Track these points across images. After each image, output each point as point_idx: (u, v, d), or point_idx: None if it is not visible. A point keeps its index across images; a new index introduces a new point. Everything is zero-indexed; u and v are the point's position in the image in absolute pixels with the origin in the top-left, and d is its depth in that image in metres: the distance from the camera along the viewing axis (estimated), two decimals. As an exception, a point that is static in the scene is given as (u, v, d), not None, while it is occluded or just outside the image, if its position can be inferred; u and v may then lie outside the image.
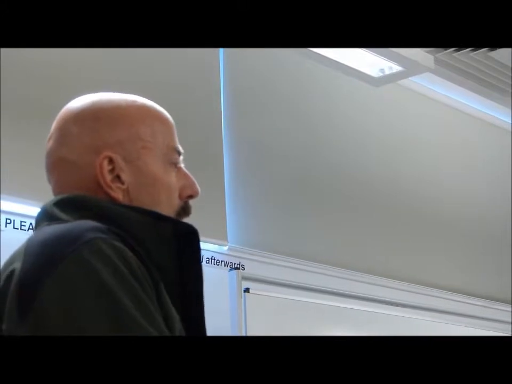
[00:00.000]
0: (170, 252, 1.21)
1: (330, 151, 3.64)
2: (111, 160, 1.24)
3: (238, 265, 3.13)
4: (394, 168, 3.94)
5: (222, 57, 3.27)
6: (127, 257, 1.09)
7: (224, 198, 3.13)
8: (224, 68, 3.27)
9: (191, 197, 1.32)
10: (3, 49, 2.53)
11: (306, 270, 3.37)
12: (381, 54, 2.89)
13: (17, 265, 1.11)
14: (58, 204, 1.22)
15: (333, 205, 3.59)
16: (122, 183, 1.24)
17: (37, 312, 1.04)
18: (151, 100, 1.32)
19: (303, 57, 2.96)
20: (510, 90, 3.64)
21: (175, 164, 1.30)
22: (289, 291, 3.25)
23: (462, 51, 3.29)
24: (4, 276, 1.12)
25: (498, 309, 4.36)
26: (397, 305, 3.66)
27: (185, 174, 1.32)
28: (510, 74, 3.51)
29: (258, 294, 3.13)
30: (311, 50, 2.82)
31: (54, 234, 1.12)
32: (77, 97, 1.30)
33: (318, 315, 3.29)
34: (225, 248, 3.13)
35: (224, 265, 3.10)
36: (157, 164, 1.27)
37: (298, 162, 3.49)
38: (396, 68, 2.99)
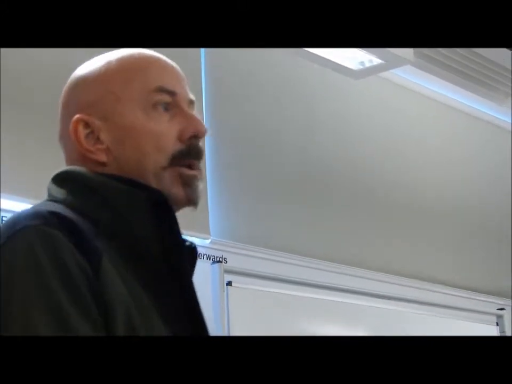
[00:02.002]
0: (148, 220, 1.15)
1: (313, 144, 3.65)
2: (86, 123, 1.20)
3: (221, 259, 3.14)
4: (378, 161, 3.95)
5: (203, 52, 3.28)
6: (57, 246, 1.05)
7: (207, 191, 3.14)
8: (205, 62, 3.27)
9: (194, 136, 1.22)
10: (3, 52, 2.54)
11: (289, 263, 3.38)
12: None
13: None
14: (54, 178, 1.21)
15: (316, 198, 3.60)
16: (102, 143, 1.19)
17: None
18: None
19: (283, 51, 2.97)
20: (491, 83, 3.66)
21: (163, 106, 1.21)
22: (272, 284, 3.26)
23: (442, 44, 3.30)
24: None
25: (484, 301, 4.38)
26: (380, 298, 3.67)
27: (186, 115, 1.23)
28: (491, 67, 3.52)
29: (241, 287, 3.14)
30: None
31: (10, 218, 1.12)
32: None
33: (301, 308, 3.30)
34: (208, 241, 3.13)
35: (207, 259, 3.10)
36: (135, 112, 1.20)
37: (281, 156, 3.50)
38: (376, 60, 3.00)
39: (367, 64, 3.03)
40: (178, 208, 1.22)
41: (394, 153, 4.06)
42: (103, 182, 1.18)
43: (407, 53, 3.00)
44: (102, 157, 1.20)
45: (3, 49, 2.52)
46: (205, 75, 3.26)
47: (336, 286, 3.49)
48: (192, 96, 1.26)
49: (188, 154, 1.21)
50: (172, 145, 1.20)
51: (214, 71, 3.30)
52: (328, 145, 3.72)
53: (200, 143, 1.24)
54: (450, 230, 4.27)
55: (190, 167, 1.22)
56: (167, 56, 1.27)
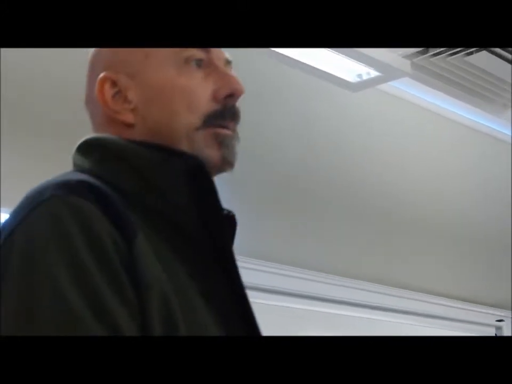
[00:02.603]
0: (184, 190, 1.06)
1: (310, 155, 3.65)
2: (113, 82, 1.12)
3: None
4: (376, 172, 3.95)
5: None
6: (88, 220, 0.94)
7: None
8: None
9: (230, 96, 1.15)
10: (3, 72, 2.56)
11: (285, 275, 3.38)
12: (358, 59, 2.91)
13: None
14: (78, 149, 1.13)
15: (305, 207, 3.60)
16: (130, 102, 1.12)
17: None
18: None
19: (281, 63, 2.98)
20: (489, 95, 3.66)
21: (196, 62, 1.14)
22: (269, 296, 3.26)
23: (439, 56, 3.31)
24: None
25: (483, 312, 4.38)
26: (377, 309, 3.68)
27: (221, 72, 1.15)
28: (488, 78, 3.53)
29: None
30: (289, 57, 2.84)
31: (34, 188, 1.02)
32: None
33: (289, 318, 3.30)
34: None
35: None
36: (166, 68, 1.12)
37: (278, 168, 3.50)
38: (373, 73, 3.01)
39: (365, 77, 3.04)
40: (214, 173, 1.14)
41: (392, 165, 4.07)
42: (133, 150, 1.08)
43: (404, 65, 3.02)
44: (129, 118, 1.12)
45: (3, 72, 2.54)
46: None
47: (334, 298, 3.50)
48: (229, 56, 1.20)
49: (223, 115, 1.14)
50: (206, 104, 1.13)
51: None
52: (325, 157, 3.73)
53: (237, 104, 1.17)
54: (448, 241, 4.27)
55: (225, 128, 1.15)
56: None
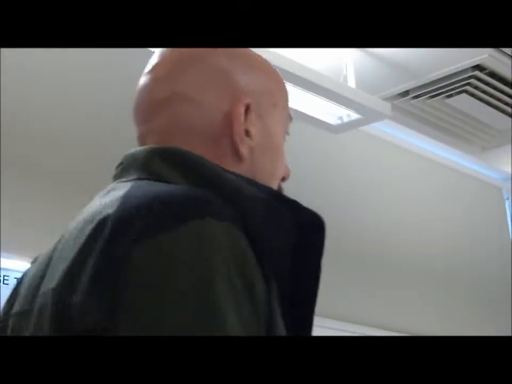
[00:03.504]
0: (288, 245, 0.95)
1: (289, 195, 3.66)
2: (247, 110, 1.04)
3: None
4: (356, 214, 3.97)
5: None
6: (247, 257, 0.85)
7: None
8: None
9: (284, 179, 1.14)
10: (2, 113, 2.57)
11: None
12: (339, 102, 2.94)
13: (110, 211, 0.87)
14: (163, 156, 0.97)
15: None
16: (251, 138, 1.05)
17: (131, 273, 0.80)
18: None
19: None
20: (467, 137, 3.71)
21: (287, 133, 1.14)
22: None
23: (419, 98, 3.35)
24: (89, 227, 0.88)
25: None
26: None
27: (284, 152, 1.13)
28: (467, 120, 3.57)
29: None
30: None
31: (168, 193, 0.88)
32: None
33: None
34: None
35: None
36: (280, 128, 1.11)
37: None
38: (354, 115, 3.04)
39: (346, 119, 3.07)
40: None
41: (372, 206, 4.08)
42: (246, 188, 0.95)
43: (385, 107, 3.04)
44: (246, 152, 1.04)
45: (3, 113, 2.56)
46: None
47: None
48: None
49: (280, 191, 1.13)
50: (280, 176, 1.13)
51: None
52: (303, 198, 3.73)
53: None
54: (424, 282, 4.27)
55: None
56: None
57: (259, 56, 1.12)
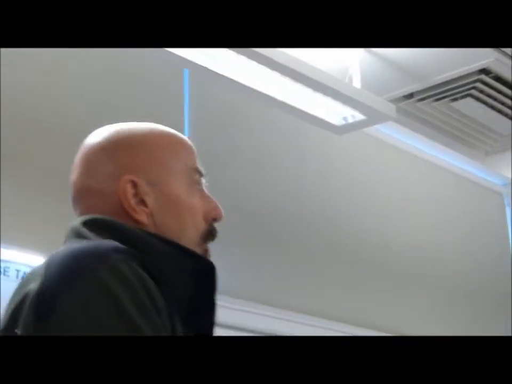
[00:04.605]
0: (189, 287, 1.19)
1: (291, 197, 3.65)
2: (134, 184, 1.24)
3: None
4: (359, 216, 3.95)
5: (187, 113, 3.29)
6: (147, 282, 1.08)
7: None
8: (188, 116, 3.28)
9: (215, 220, 1.30)
10: (3, 107, 2.56)
11: (252, 312, 3.36)
12: (344, 102, 2.92)
13: (33, 286, 1.09)
14: (87, 223, 1.22)
15: (269, 243, 3.58)
16: (146, 206, 1.24)
17: (53, 324, 1.03)
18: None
19: (266, 103, 2.98)
20: (471, 141, 3.69)
21: (197, 185, 1.30)
22: (232, 332, 3.23)
23: (424, 101, 3.33)
24: (16, 299, 1.11)
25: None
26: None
27: (207, 196, 1.31)
28: (470, 124, 3.56)
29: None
30: (277, 99, 2.84)
31: (79, 249, 1.12)
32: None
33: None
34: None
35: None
36: (180, 186, 1.27)
37: (254, 206, 3.50)
38: (359, 116, 3.02)
39: (350, 120, 3.05)
40: None
41: (374, 208, 4.07)
42: (149, 240, 1.20)
43: (389, 109, 3.03)
44: (144, 218, 1.23)
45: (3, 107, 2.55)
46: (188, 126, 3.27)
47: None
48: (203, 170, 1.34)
49: (211, 235, 1.29)
50: (201, 223, 1.28)
51: (196, 123, 3.31)
52: (306, 200, 3.72)
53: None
54: (423, 286, 4.26)
55: (208, 245, 1.30)
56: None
57: (148, 129, 1.30)
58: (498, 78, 3.22)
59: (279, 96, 2.83)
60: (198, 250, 1.25)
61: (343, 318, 3.71)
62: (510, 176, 4.46)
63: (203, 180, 1.32)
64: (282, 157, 3.64)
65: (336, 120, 3.05)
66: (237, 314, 3.26)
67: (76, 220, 1.24)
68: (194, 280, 1.20)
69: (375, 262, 3.96)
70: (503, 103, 3.39)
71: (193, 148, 1.33)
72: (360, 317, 3.82)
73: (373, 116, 3.02)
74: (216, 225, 1.29)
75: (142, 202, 1.24)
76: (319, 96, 2.85)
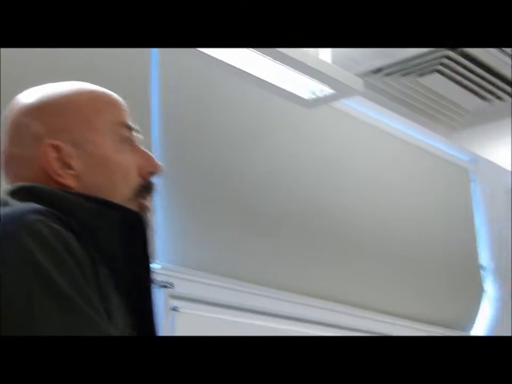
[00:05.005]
0: (117, 240, 1.18)
1: (261, 171, 3.66)
2: (57, 148, 1.22)
3: (167, 284, 3.12)
4: (325, 192, 3.97)
5: (154, 81, 3.28)
6: (64, 237, 1.07)
7: (154, 216, 3.12)
8: (157, 87, 3.27)
9: (152, 173, 1.30)
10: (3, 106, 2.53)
11: (236, 290, 3.37)
12: (312, 76, 2.93)
13: None
14: (12, 192, 1.21)
15: (262, 225, 3.60)
16: (72, 168, 1.22)
17: None
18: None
19: (236, 77, 2.98)
20: (438, 116, 3.72)
21: (128, 140, 1.28)
22: (219, 310, 3.25)
23: (392, 75, 3.35)
24: None
25: (427, 331, 4.41)
26: (324, 325, 3.68)
27: (142, 151, 1.30)
28: (438, 100, 3.58)
29: (188, 313, 3.13)
30: (246, 72, 2.84)
31: (6, 213, 1.11)
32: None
33: (248, 334, 3.30)
34: (156, 267, 3.12)
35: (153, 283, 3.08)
36: (107, 144, 1.25)
37: (230, 182, 3.50)
38: (327, 90, 3.03)
39: (318, 94, 3.06)
40: None
41: (341, 182, 4.09)
42: (71, 199, 1.18)
43: (357, 83, 3.04)
44: (71, 182, 1.22)
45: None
46: (154, 102, 3.26)
47: (284, 313, 3.49)
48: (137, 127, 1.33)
49: (147, 189, 1.30)
50: (134, 179, 1.28)
51: (166, 98, 3.30)
52: (277, 174, 3.74)
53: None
54: (390, 260, 4.30)
55: (146, 199, 1.30)
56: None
57: (73, 89, 1.28)
58: (465, 55, 3.25)
59: (248, 70, 2.84)
60: (132, 205, 1.24)
61: (318, 293, 3.74)
62: (475, 152, 4.50)
63: (136, 135, 1.30)
64: (250, 132, 3.65)
65: (305, 94, 3.06)
66: (207, 289, 3.28)
67: (4, 190, 1.23)
68: (121, 232, 1.18)
69: (341, 235, 3.99)
70: (469, 79, 3.42)
71: (121, 103, 1.31)
72: (335, 293, 3.85)
73: (341, 90, 3.03)
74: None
75: (68, 165, 1.23)
76: (287, 70, 2.86)
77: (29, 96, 1.28)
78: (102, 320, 1.04)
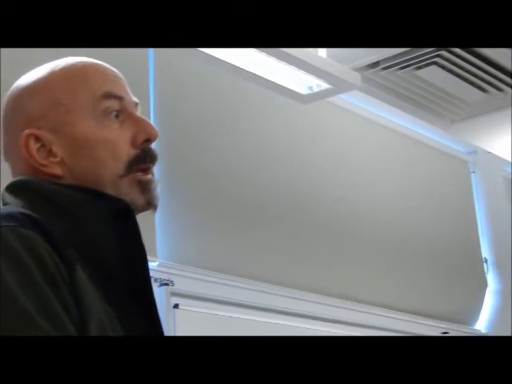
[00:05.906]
0: (108, 230, 1.14)
1: (259, 167, 3.65)
2: (36, 137, 1.18)
3: (167, 281, 3.12)
4: (323, 185, 3.97)
5: (151, 77, 3.27)
6: (35, 246, 1.02)
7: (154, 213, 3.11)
8: (153, 85, 3.27)
9: (147, 141, 1.22)
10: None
11: (237, 286, 3.37)
12: (309, 72, 2.92)
13: None
14: (9, 188, 1.19)
15: (261, 221, 3.60)
16: (55, 156, 1.18)
17: None
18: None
19: (232, 73, 2.97)
20: (436, 109, 3.71)
21: (113, 113, 1.20)
22: (220, 307, 3.24)
23: (389, 69, 3.34)
24: None
25: (428, 325, 4.41)
26: (324, 321, 3.68)
27: (136, 119, 1.22)
28: (436, 93, 3.57)
29: (188, 310, 3.12)
30: (243, 69, 2.84)
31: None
32: None
33: (248, 331, 3.29)
34: (155, 264, 3.12)
35: (154, 281, 3.08)
36: (86, 121, 1.18)
37: (228, 179, 3.50)
38: (324, 85, 3.02)
39: (315, 89, 3.05)
40: (138, 213, 1.21)
41: (340, 177, 4.09)
42: (60, 192, 1.15)
43: (354, 77, 3.03)
44: (57, 170, 1.18)
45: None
46: (152, 97, 3.25)
47: (284, 309, 3.49)
48: (136, 99, 1.26)
49: (143, 159, 1.21)
50: (127, 151, 1.20)
51: (163, 95, 3.30)
52: (272, 168, 3.73)
53: (153, 146, 1.24)
54: (391, 254, 4.30)
55: (145, 171, 1.22)
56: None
57: (48, 69, 1.22)
58: (463, 46, 3.23)
59: (245, 66, 2.83)
60: (124, 182, 1.18)
61: (310, 287, 3.74)
62: (474, 143, 4.49)
63: (127, 102, 1.22)
64: (248, 127, 3.64)
65: (302, 89, 3.05)
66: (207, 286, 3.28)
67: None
68: (111, 223, 1.14)
69: (339, 229, 3.99)
70: (468, 71, 3.40)
71: (104, 72, 1.23)
72: (326, 286, 3.85)
73: (338, 85, 3.02)
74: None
75: (51, 153, 1.18)
76: (284, 66, 2.85)
77: (14, 86, 1.25)
78: (49, 326, 0.98)
